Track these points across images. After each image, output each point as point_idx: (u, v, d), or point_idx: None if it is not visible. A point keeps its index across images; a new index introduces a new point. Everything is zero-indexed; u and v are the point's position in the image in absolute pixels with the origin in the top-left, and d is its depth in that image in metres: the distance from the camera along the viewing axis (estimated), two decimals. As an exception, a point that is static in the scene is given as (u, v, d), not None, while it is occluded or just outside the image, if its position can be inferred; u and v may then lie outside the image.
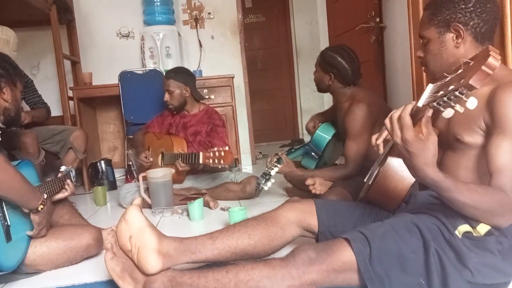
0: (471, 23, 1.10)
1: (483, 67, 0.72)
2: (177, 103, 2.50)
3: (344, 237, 1.06)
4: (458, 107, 0.77)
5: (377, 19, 2.91)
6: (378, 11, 2.91)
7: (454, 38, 1.13)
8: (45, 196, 1.41)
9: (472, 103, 0.77)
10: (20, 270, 1.41)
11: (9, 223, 1.34)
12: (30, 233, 1.41)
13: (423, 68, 1.26)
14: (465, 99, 0.75)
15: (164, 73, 3.11)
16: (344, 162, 2.06)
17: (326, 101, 4.15)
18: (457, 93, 0.74)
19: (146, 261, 1.11)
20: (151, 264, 1.10)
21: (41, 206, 1.37)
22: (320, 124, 2.39)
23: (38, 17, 2.99)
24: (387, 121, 0.95)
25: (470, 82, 0.72)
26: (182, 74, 2.53)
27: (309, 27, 4.94)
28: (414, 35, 2.22)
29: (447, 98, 0.77)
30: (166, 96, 2.49)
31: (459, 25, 1.11)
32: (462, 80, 0.74)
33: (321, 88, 2.16)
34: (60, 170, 1.72)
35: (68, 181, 1.68)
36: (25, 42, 2.81)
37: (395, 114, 0.92)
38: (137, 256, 1.12)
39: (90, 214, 2.37)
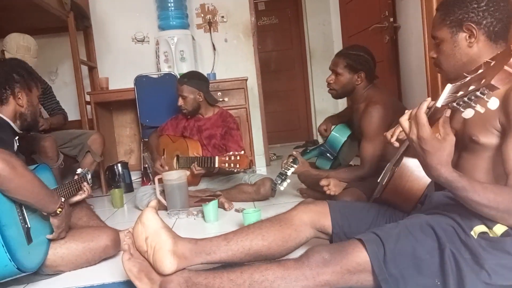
0: (484, 22, 1.09)
1: (506, 67, 0.71)
2: (191, 108, 2.53)
3: (358, 238, 1.05)
4: (478, 107, 0.76)
5: (391, 19, 2.88)
6: (391, 11, 2.89)
7: (467, 37, 1.12)
8: (63, 199, 1.44)
9: (493, 103, 0.76)
10: (41, 272, 1.45)
11: (29, 226, 1.38)
12: (50, 236, 1.45)
13: (437, 68, 1.25)
14: (486, 99, 0.74)
15: (178, 77, 3.16)
16: (359, 163, 2.06)
17: (341, 102, 4.13)
18: (478, 93, 0.73)
19: (161, 262, 1.13)
20: (166, 265, 1.12)
21: (60, 210, 1.41)
22: (333, 126, 2.38)
23: (56, 24, 3.07)
24: (402, 119, 0.95)
25: (492, 82, 0.71)
26: (195, 79, 2.54)
27: (322, 28, 4.93)
28: (428, 35, 2.20)
29: (468, 99, 0.76)
30: (180, 101, 2.51)
31: (471, 24, 1.10)
32: (484, 80, 0.73)
33: (346, 91, 2.09)
34: (77, 172, 1.75)
35: (85, 183, 1.71)
36: (44, 49, 2.88)
37: (412, 111, 0.93)
38: (153, 257, 1.15)
39: (107, 216, 2.41)
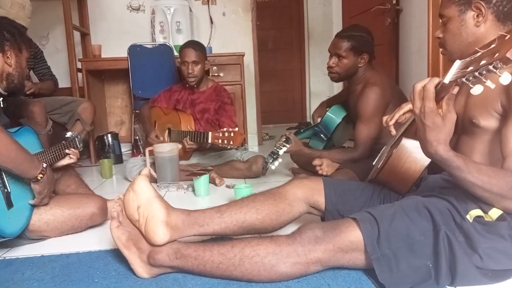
0: (494, 1, 1.06)
1: None
2: (200, 76, 2.46)
3: (352, 217, 1.04)
4: (489, 83, 0.74)
5: (394, 1, 2.83)
6: (395, -7, 2.83)
7: (475, 16, 1.09)
8: (45, 165, 1.39)
9: (506, 78, 0.73)
10: (25, 236, 1.42)
11: (9, 190, 1.34)
12: (32, 202, 1.41)
13: (441, 50, 1.22)
14: (499, 74, 0.72)
15: (174, 48, 3.08)
16: (353, 145, 2.04)
17: (336, 84, 4.09)
18: (491, 67, 0.71)
19: (154, 232, 1.10)
20: (159, 235, 1.10)
21: (41, 175, 1.36)
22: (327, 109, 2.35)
23: (49, -14, 2.96)
24: (415, 88, 0.93)
25: (508, 55, 0.69)
26: (202, 47, 2.50)
27: (322, 8, 4.84)
28: (432, 19, 2.16)
29: (478, 73, 0.74)
30: (191, 68, 2.41)
31: (481, 2, 1.07)
32: (497, 54, 0.71)
33: (349, 74, 2.02)
34: (66, 135, 1.70)
35: (72, 148, 1.67)
36: (35, 12, 2.76)
37: (420, 84, 0.91)
38: (145, 226, 1.12)
39: (96, 186, 2.38)
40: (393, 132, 1.34)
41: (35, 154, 1.49)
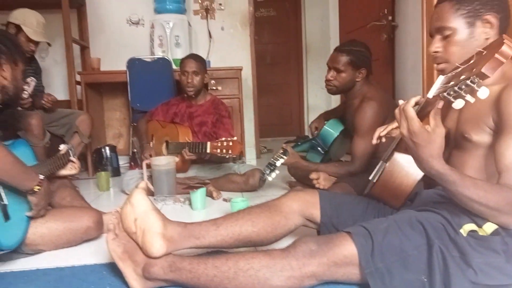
0: (500, 16, 1.06)
1: (497, 55, 0.71)
2: (199, 87, 2.49)
3: (346, 231, 1.05)
4: (469, 97, 0.76)
5: (390, 18, 2.88)
6: (391, 10, 2.88)
7: (484, 29, 1.07)
8: (42, 177, 1.40)
9: (483, 92, 0.75)
10: (20, 250, 1.41)
11: (6, 203, 1.34)
12: (29, 213, 1.41)
13: (439, 65, 1.16)
14: (476, 88, 0.74)
15: (172, 62, 3.11)
16: (350, 159, 2.05)
17: (334, 99, 4.12)
18: (468, 82, 0.73)
19: (151, 244, 1.11)
20: (155, 247, 1.10)
21: (37, 187, 1.36)
22: (326, 121, 2.37)
23: (50, 0, 2.99)
24: (396, 111, 0.96)
25: (483, 70, 0.71)
26: (203, 60, 2.56)
27: (320, 23, 4.90)
28: (426, 35, 2.19)
29: (458, 88, 0.76)
30: (191, 78, 2.45)
31: (492, 14, 1.06)
32: (474, 69, 0.73)
33: (347, 88, 2.05)
34: (59, 148, 1.70)
35: (75, 159, 1.68)
36: (35, 25, 2.82)
37: (402, 105, 0.94)
38: (142, 238, 1.12)
39: (92, 198, 2.37)
40: (383, 140, 1.35)
41: (32, 166, 1.50)
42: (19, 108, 2.34)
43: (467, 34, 1.09)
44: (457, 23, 1.09)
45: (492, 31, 1.07)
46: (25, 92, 2.34)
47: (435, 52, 1.15)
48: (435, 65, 1.19)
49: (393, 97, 2.90)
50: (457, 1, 1.10)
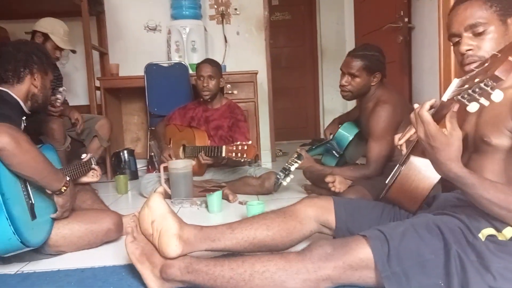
0: None
1: (510, 58, 0.70)
2: (215, 91, 2.52)
3: (362, 234, 1.04)
4: (483, 100, 0.75)
5: (406, 19, 2.85)
6: (407, 11, 2.86)
7: None
8: (68, 178, 1.45)
9: (497, 95, 0.74)
10: (43, 251, 1.46)
11: (33, 202, 1.39)
12: (53, 215, 1.46)
13: (469, 64, 1.09)
14: (490, 91, 0.73)
15: (189, 67, 3.15)
16: (365, 162, 2.04)
17: (350, 102, 4.10)
18: (482, 85, 0.73)
19: (167, 245, 1.13)
20: (171, 248, 1.13)
21: (64, 188, 1.42)
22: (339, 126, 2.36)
23: (69, 8, 3.07)
24: (412, 116, 0.95)
25: (496, 73, 0.71)
26: (219, 65, 2.59)
27: (335, 27, 4.90)
28: (443, 36, 2.17)
29: (472, 91, 0.75)
30: (206, 82, 2.48)
31: None
32: (488, 72, 0.73)
33: (362, 93, 2.03)
34: (81, 156, 1.77)
35: (97, 167, 1.75)
36: (56, 32, 2.90)
37: (417, 109, 0.93)
38: (158, 240, 1.15)
39: (111, 201, 2.42)
40: (404, 150, 1.34)
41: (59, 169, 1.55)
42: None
43: (503, 31, 1.07)
44: (492, 19, 1.07)
45: None
46: (58, 100, 2.41)
47: (468, 50, 1.10)
48: (465, 66, 1.11)
49: (410, 100, 2.87)
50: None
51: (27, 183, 1.39)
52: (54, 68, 2.71)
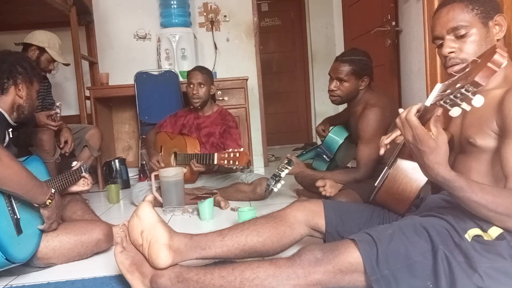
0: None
1: (489, 64, 0.72)
2: (205, 98, 2.52)
3: (351, 238, 1.05)
4: (464, 105, 0.76)
5: (393, 23, 2.89)
6: (394, 15, 2.89)
7: (495, 30, 1.09)
8: (53, 191, 1.43)
9: (478, 101, 0.76)
10: (32, 264, 1.44)
11: (18, 217, 1.37)
12: (41, 227, 1.45)
13: (452, 66, 1.12)
14: (471, 96, 0.74)
15: (179, 74, 3.16)
16: (355, 165, 2.05)
17: (341, 105, 4.13)
18: (463, 90, 0.74)
19: (157, 255, 1.12)
20: (162, 258, 1.12)
21: (49, 201, 1.40)
22: (331, 127, 2.38)
23: (58, 19, 3.07)
24: (398, 121, 0.96)
25: (476, 79, 0.72)
26: (210, 72, 2.60)
27: (325, 31, 4.93)
28: (429, 39, 2.19)
29: (454, 96, 0.77)
30: (196, 89, 2.48)
31: (502, 16, 1.08)
32: (469, 78, 0.74)
33: (351, 97, 2.05)
34: (72, 165, 1.75)
35: (88, 175, 1.72)
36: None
37: (403, 114, 0.93)
38: (148, 250, 1.14)
39: (103, 211, 2.40)
40: (387, 147, 1.33)
41: (44, 181, 1.54)
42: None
43: (484, 33, 1.09)
44: (474, 22, 1.09)
45: (502, 33, 1.09)
46: (58, 115, 2.40)
47: (451, 52, 1.12)
48: (448, 68, 1.14)
49: (399, 102, 2.89)
50: (469, 1, 1.10)
51: (11, 198, 1.37)
52: (41, 77, 2.70)
